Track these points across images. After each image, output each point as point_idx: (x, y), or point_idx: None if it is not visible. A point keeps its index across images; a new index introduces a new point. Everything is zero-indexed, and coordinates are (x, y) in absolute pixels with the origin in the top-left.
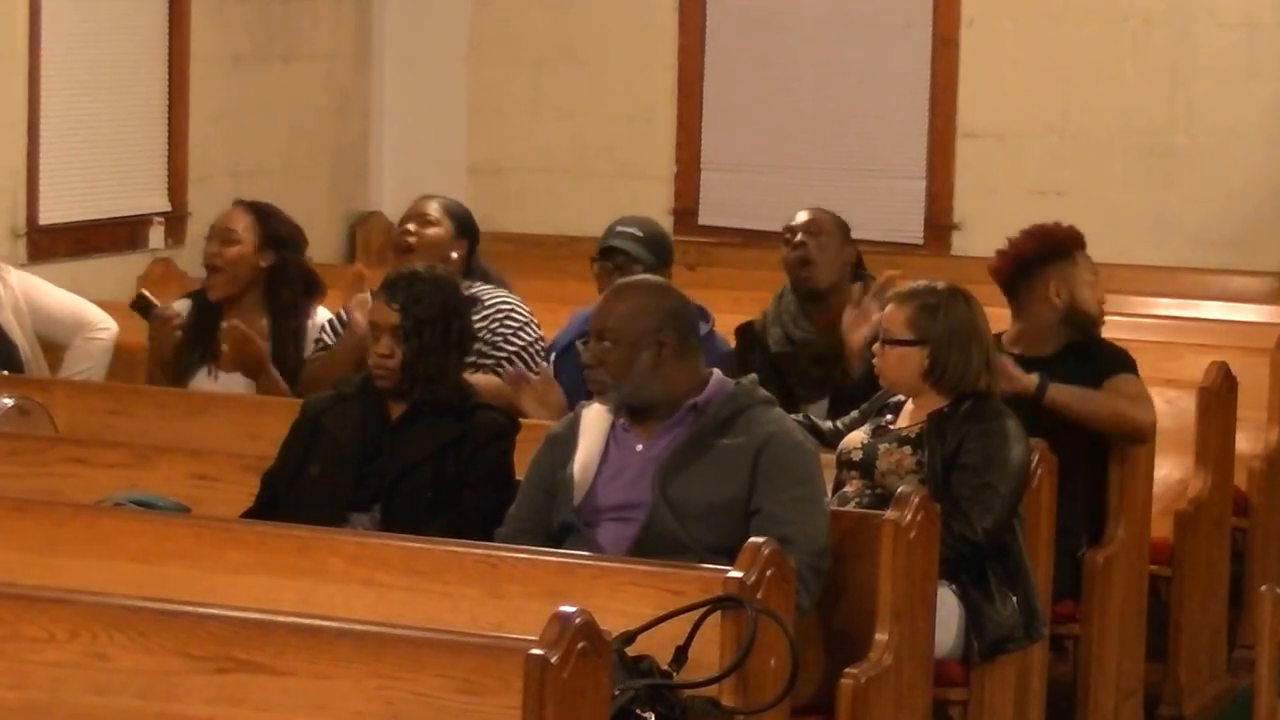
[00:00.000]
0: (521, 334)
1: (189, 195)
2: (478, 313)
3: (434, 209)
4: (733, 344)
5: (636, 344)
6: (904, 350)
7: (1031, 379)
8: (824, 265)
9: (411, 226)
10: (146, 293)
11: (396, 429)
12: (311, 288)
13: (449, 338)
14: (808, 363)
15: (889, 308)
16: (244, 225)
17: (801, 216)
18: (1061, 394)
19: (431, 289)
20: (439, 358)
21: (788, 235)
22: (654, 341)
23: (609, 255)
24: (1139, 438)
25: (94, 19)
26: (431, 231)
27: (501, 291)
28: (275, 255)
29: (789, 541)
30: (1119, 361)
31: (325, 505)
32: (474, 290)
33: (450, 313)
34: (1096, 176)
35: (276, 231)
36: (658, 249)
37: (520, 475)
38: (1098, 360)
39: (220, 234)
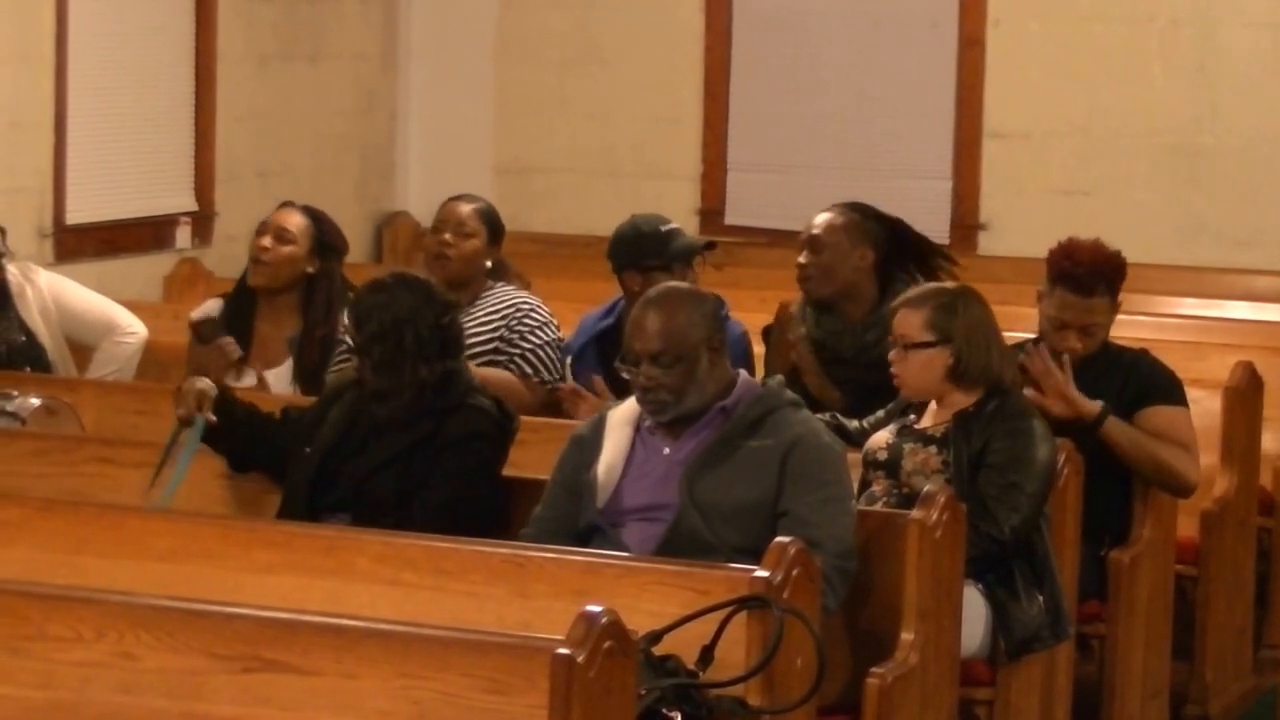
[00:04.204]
0: (539, 333)
1: (216, 195)
2: (495, 311)
3: (470, 216)
4: (746, 332)
5: (692, 358)
6: (927, 353)
7: (1094, 406)
8: (821, 278)
9: (449, 237)
10: (215, 317)
11: (374, 430)
12: (346, 300)
13: (402, 348)
14: (829, 364)
15: (901, 313)
16: (299, 228)
17: (811, 225)
18: (1116, 431)
19: (380, 302)
20: (391, 374)
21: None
22: (706, 349)
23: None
24: (1177, 493)
25: (121, 19)
26: (469, 244)
27: (523, 293)
28: (321, 263)
29: (816, 543)
30: (1165, 388)
31: (292, 490)
32: (494, 291)
33: (402, 323)
34: (1122, 176)
35: (326, 239)
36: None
37: (506, 474)
38: (1140, 380)
39: (275, 231)
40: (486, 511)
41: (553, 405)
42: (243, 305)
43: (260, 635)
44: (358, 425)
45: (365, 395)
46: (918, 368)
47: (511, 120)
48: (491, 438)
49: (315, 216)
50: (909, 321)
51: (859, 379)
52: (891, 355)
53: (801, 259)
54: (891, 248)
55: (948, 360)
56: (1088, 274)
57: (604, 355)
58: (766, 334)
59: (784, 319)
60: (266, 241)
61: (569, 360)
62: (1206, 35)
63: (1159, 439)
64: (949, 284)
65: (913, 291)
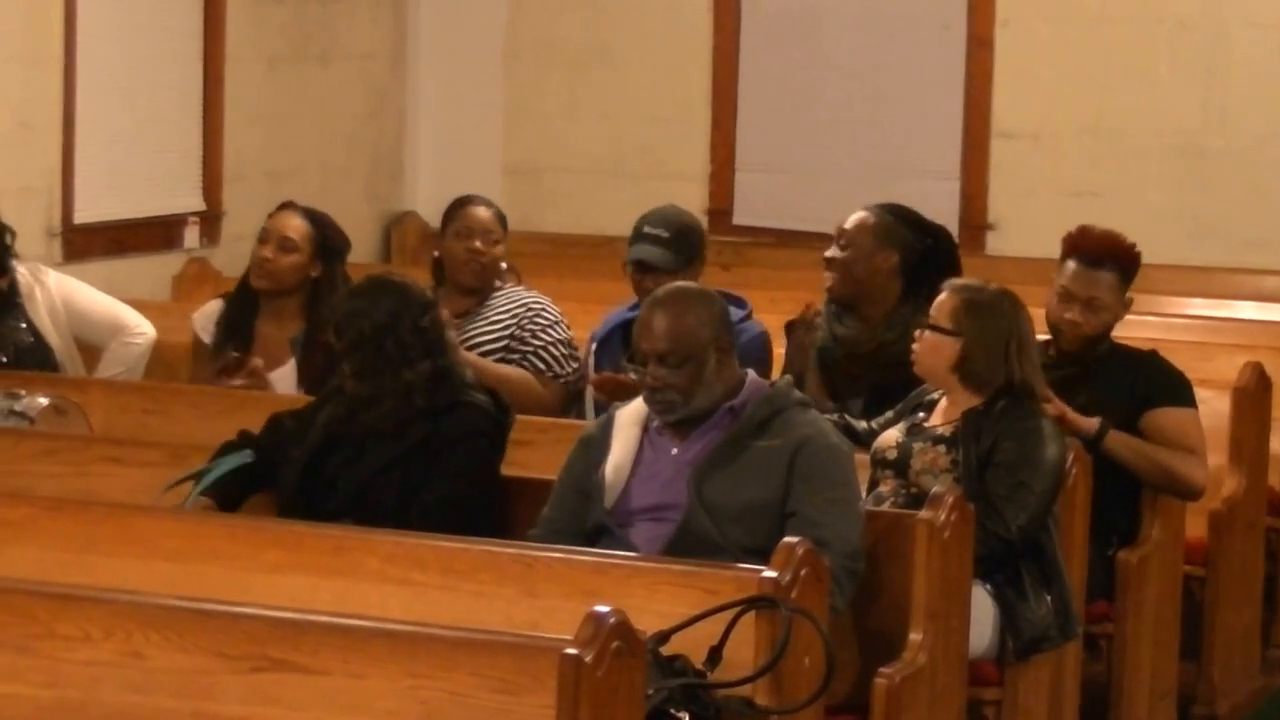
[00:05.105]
0: (550, 331)
1: (224, 195)
2: (506, 311)
3: (495, 223)
4: (766, 331)
5: (700, 358)
6: (940, 338)
7: (1091, 423)
8: (840, 275)
9: (479, 244)
10: (231, 353)
11: (372, 435)
12: None
13: (383, 354)
14: (846, 359)
15: (942, 295)
16: (301, 234)
17: (844, 221)
18: (1118, 444)
19: (358, 309)
20: (373, 381)
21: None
22: (714, 350)
23: (641, 268)
24: (1185, 497)
25: (130, 19)
26: (498, 250)
27: (532, 293)
28: (324, 266)
29: (824, 544)
30: (1173, 390)
31: (281, 493)
32: (503, 292)
33: (382, 329)
34: (1131, 177)
35: (329, 242)
36: (686, 247)
37: (512, 474)
38: (1148, 380)
39: (278, 241)
40: (485, 509)
41: (566, 403)
42: (244, 306)
43: (269, 635)
44: (351, 429)
45: (351, 402)
46: (928, 349)
47: (520, 121)
48: (489, 434)
49: (315, 219)
50: (941, 304)
51: (877, 377)
52: (917, 331)
53: (828, 253)
54: (923, 255)
55: (954, 353)
56: (1097, 247)
57: (629, 344)
58: (789, 329)
59: (807, 317)
60: (268, 252)
61: (593, 346)
62: (1215, 37)
63: (1163, 444)
64: (994, 285)
65: (962, 280)
